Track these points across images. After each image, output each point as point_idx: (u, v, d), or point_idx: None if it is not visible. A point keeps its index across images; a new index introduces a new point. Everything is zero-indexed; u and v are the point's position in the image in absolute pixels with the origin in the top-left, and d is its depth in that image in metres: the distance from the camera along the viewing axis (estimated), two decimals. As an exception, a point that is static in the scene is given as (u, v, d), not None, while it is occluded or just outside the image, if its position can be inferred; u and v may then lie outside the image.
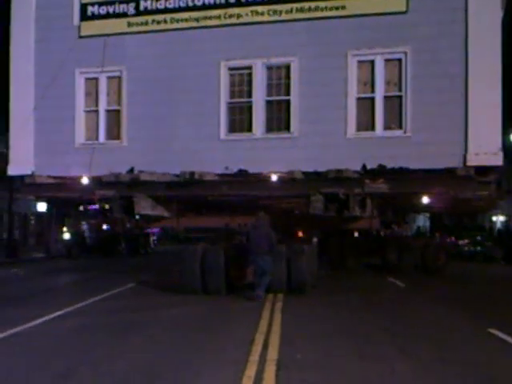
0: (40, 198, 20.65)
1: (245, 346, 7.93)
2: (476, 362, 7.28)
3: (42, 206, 32.95)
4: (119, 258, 28.84)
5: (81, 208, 27.18)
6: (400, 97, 14.55)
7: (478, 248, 30.35)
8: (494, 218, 43.36)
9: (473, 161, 13.85)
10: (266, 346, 7.94)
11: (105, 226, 30.27)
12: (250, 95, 14.96)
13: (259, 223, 13.40)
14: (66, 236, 30.30)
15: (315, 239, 21.56)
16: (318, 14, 14.51)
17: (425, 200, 16.76)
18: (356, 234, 26.67)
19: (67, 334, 9.08)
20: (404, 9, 14.14)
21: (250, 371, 6.65)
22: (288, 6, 14.58)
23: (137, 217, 16.40)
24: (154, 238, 36.01)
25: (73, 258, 28.23)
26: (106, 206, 17.84)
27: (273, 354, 7.52)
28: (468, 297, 14.16)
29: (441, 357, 7.51)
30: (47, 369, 6.81)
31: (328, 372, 6.73)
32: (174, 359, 7.29)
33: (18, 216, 34.08)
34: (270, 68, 14.94)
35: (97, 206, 22.81)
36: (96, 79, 15.66)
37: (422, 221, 43.91)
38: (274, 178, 14.22)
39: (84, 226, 30.26)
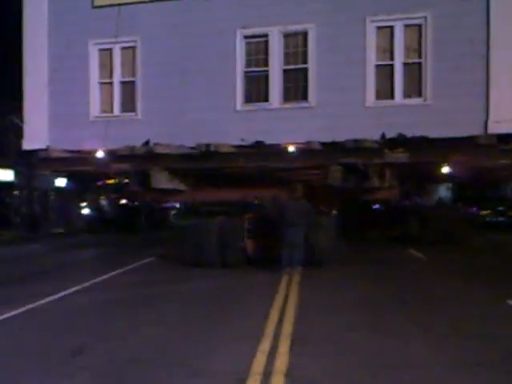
0: (56, 173, 20.64)
1: (260, 320, 7.80)
2: (494, 335, 7.04)
3: (61, 182, 33.05)
4: (138, 232, 28.95)
5: (100, 183, 27.21)
6: (420, 63, 14.11)
7: (501, 218, 29.83)
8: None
9: (494, 128, 13.46)
10: (281, 321, 7.80)
11: (124, 201, 30.34)
12: (266, 64, 14.60)
13: (295, 195, 13.16)
14: (86, 211, 30.45)
15: (334, 211, 21.30)
16: (336, -21, 14.08)
17: (446, 169, 16.35)
18: (376, 206, 26.42)
19: (82, 309, 9.05)
20: (423, -27, 13.64)
21: (264, 345, 6.52)
22: (305, -28, 14.15)
23: (154, 191, 16.21)
24: (174, 212, 36.07)
25: (92, 232, 28.39)
26: (125, 181, 17.74)
27: (288, 328, 7.38)
28: (488, 268, 13.80)
29: (457, 330, 7.29)
30: (60, 344, 6.75)
31: (342, 346, 6.57)
32: (187, 334, 7.20)
33: (39, 192, 34.24)
34: (286, 36, 14.54)
35: (116, 181, 22.79)
36: (110, 50, 15.40)
37: (444, 191, 43.26)
38: (292, 148, 13.92)
39: (103, 201, 30.36)
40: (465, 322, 7.76)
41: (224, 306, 8.98)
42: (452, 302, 9.39)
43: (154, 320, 8.05)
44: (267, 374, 5.52)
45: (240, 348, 6.44)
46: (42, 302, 9.41)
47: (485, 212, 30.43)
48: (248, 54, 14.76)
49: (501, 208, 30.53)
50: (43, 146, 15.20)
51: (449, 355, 6.19)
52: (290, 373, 5.58)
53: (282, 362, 5.90)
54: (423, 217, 21.04)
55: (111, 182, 24.75)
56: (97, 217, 29.93)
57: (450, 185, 33.93)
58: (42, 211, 33.18)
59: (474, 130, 13.55)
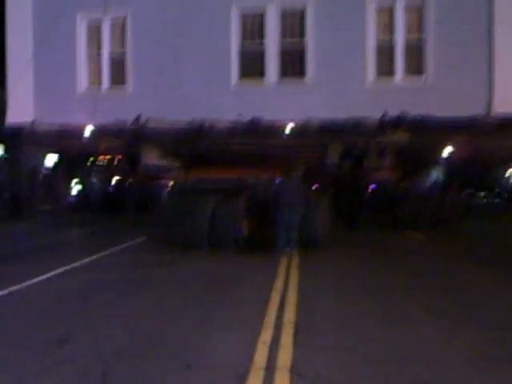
0: (42, 148, 19.92)
1: (260, 306, 7.31)
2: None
3: (51, 159, 32.20)
4: (129, 211, 28.32)
5: (90, 160, 26.58)
6: (422, 42, 13.64)
7: (496, 201, 29.58)
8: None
9: (498, 109, 13.11)
10: (282, 307, 7.31)
11: (115, 179, 29.70)
12: (262, 38, 14.02)
13: (293, 175, 12.59)
14: (75, 189, 29.79)
15: (327, 192, 20.83)
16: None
17: (446, 150, 15.94)
18: (370, 187, 26.00)
19: (69, 292, 8.50)
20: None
21: (266, 335, 6.03)
22: None
23: (146, 169, 15.68)
24: (167, 191, 35.37)
25: (82, 211, 27.73)
26: (116, 158, 17.16)
27: (290, 315, 6.89)
28: (490, 252, 13.40)
29: (470, 317, 6.84)
30: (42, 332, 6.21)
31: (350, 336, 6.08)
32: (181, 322, 6.67)
33: (27, 168, 33.38)
34: (284, 12, 13.95)
35: (106, 158, 22.18)
36: (99, 23, 14.73)
37: (438, 173, 42.82)
38: (289, 126, 13.40)
39: (93, 180, 29.69)
40: (477, 308, 7.31)
41: (220, 291, 8.43)
42: (460, 285, 8.97)
43: (145, 306, 7.51)
44: (270, 369, 5.04)
45: (239, 338, 5.95)
46: (26, 284, 8.84)
47: (479, 195, 30.16)
48: (244, 28, 14.18)
49: (495, 191, 30.26)
50: (28, 120, 14.57)
51: (468, 345, 5.74)
52: (295, 367, 5.10)
53: (285, 355, 5.41)
54: (417, 200, 20.72)
55: (103, 159, 24.17)
56: (86, 195, 29.26)
57: (446, 167, 33.51)
58: (30, 188, 32.39)
59: (477, 110, 13.25)
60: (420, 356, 5.45)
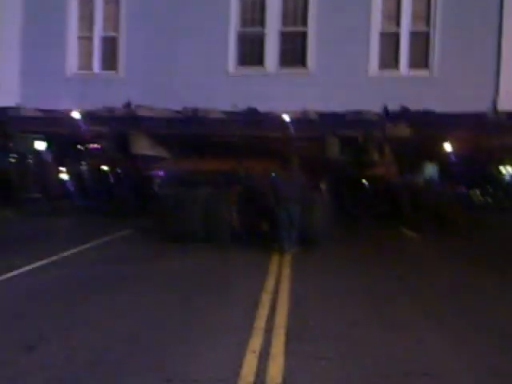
0: (28, 133, 19.20)
1: (249, 308, 6.73)
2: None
3: (40, 145, 31.50)
4: (118, 201, 27.62)
5: (80, 147, 25.87)
6: (427, 33, 13.09)
7: (492, 199, 29.08)
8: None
9: (504, 104, 12.60)
10: (273, 310, 6.75)
11: (105, 168, 29.02)
12: (262, 24, 13.40)
13: (290, 168, 11.79)
14: (64, 177, 29.13)
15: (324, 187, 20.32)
16: None
17: (448, 147, 15.40)
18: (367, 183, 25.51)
19: (44, 289, 7.83)
20: None
21: (255, 343, 5.46)
22: None
23: (136, 158, 15.06)
24: (158, 181, 34.75)
25: (70, 199, 27.06)
26: (104, 146, 16.53)
27: (281, 319, 6.33)
28: (489, 253, 12.80)
29: (473, 324, 6.31)
30: (11, 336, 5.61)
31: (347, 344, 5.54)
32: (162, 326, 6.07)
33: (17, 155, 32.73)
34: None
35: (98, 146, 21.47)
36: (91, 1, 14.06)
37: (435, 169, 42.35)
38: (287, 117, 12.82)
39: (82, 167, 28.99)
40: (479, 314, 6.80)
41: (207, 291, 7.81)
42: (460, 288, 8.43)
43: (123, 308, 6.87)
44: (259, 384, 4.47)
45: (226, 346, 5.38)
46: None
47: (475, 192, 29.67)
48: (243, 12, 13.57)
49: (491, 189, 29.72)
50: (12, 104, 13.90)
51: (474, 356, 5.20)
52: (287, 381, 4.54)
53: (276, 367, 4.85)
54: (415, 196, 20.28)
55: (93, 146, 23.49)
56: (75, 183, 28.59)
57: (444, 163, 33.03)
58: (19, 176, 31.72)
59: (482, 105, 12.75)
60: (423, 369, 4.89)
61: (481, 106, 12.82)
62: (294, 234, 11.40)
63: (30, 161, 33.62)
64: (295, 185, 11.41)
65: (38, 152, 32.44)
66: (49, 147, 30.37)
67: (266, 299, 7.25)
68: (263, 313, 6.58)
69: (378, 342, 5.66)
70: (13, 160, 30.24)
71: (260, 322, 6.17)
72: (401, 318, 6.63)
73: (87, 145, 23.01)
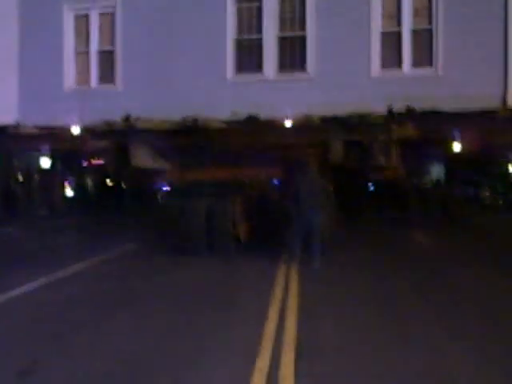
0: (30, 150, 19.05)
1: (256, 324, 6.44)
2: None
3: (45, 162, 31.42)
4: (123, 215, 27.44)
5: (83, 162, 25.81)
6: (430, 30, 12.83)
7: (502, 199, 28.67)
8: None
9: (512, 103, 12.32)
10: (281, 323, 6.46)
11: (108, 182, 28.95)
12: (260, 30, 13.19)
13: (307, 171, 10.79)
14: (69, 192, 29.06)
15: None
16: None
17: (457, 146, 15.06)
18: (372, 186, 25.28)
19: (42, 311, 7.51)
20: None
21: (262, 361, 5.19)
22: None
23: (138, 170, 14.84)
24: (162, 193, 34.51)
25: (74, 214, 26.91)
26: (106, 160, 16.30)
27: (290, 335, 6.05)
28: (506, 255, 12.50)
29: (503, 340, 5.93)
30: (3, 361, 5.35)
31: (360, 362, 5.24)
32: (165, 346, 5.79)
33: (21, 172, 32.64)
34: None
35: (100, 161, 21.38)
36: (86, 15, 13.90)
37: (440, 170, 41.86)
38: (288, 123, 12.55)
39: (87, 182, 28.96)
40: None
41: (212, 308, 7.49)
42: (483, 296, 8.08)
43: (126, 327, 6.58)
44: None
45: (233, 366, 5.11)
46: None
47: (483, 192, 29.26)
48: (240, 18, 13.35)
49: (499, 188, 29.26)
50: (12, 121, 13.73)
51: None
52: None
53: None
54: (423, 198, 20.07)
55: (97, 161, 23.42)
56: (80, 198, 28.50)
57: (450, 164, 32.67)
58: (25, 192, 31.61)
59: (490, 103, 12.42)
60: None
61: (489, 103, 12.52)
62: (318, 246, 10.56)
63: (36, 177, 33.59)
64: (315, 189, 10.55)
65: (43, 169, 32.36)
66: (53, 164, 30.29)
67: (273, 313, 6.95)
68: (271, 328, 6.29)
69: (394, 359, 5.34)
70: (19, 177, 30.24)
71: (267, 339, 5.88)
72: (418, 331, 6.31)
73: (89, 160, 22.91)
